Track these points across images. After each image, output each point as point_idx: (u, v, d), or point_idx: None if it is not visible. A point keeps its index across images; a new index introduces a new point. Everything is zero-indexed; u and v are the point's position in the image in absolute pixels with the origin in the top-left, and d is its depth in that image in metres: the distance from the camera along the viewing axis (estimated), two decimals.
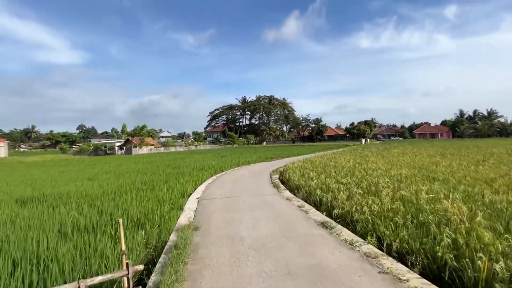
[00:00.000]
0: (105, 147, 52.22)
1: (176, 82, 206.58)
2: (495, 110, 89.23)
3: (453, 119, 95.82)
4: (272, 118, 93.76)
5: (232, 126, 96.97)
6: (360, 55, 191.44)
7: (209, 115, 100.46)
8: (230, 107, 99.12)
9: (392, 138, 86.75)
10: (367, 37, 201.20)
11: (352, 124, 73.41)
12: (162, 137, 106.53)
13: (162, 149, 53.60)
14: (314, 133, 73.60)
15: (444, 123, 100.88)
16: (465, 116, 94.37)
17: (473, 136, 77.84)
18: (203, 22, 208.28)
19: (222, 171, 13.84)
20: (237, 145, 66.82)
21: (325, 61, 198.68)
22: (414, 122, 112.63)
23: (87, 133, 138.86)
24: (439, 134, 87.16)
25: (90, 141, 64.08)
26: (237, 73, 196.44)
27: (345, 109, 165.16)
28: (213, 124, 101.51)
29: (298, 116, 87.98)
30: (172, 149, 56.03)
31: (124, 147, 48.91)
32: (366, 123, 71.06)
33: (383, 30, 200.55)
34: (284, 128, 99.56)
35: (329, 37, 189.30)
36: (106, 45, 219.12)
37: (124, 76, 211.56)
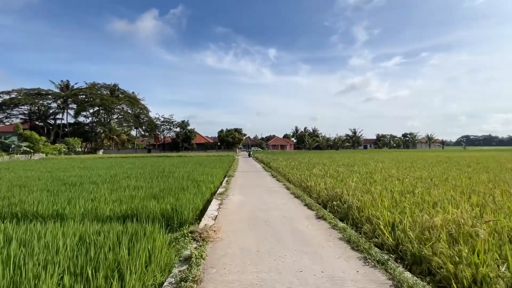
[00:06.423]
0: None
1: None
2: (317, 129, 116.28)
3: (291, 133, 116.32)
4: (115, 116, 67.43)
5: (42, 124, 60.42)
6: (207, 72, 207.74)
7: None
8: (39, 93, 61.71)
9: (253, 148, 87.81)
10: (213, 57, 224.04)
11: (221, 131, 64.77)
12: None
13: None
14: (180, 140, 57.37)
15: (286, 136, 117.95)
16: (299, 132, 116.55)
17: (316, 148, 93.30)
18: None
19: None
20: (44, 154, 37.98)
21: (176, 70, 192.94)
22: (261, 135, 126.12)
23: None
24: (287, 146, 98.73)
25: None
26: (64, 61, 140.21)
27: (195, 119, 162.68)
28: None
29: (157, 117, 68.03)
30: None
31: None
32: (236, 131, 64.90)
33: (225, 55, 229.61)
34: (134, 132, 75.42)
35: (179, 48, 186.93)
36: None
37: None
